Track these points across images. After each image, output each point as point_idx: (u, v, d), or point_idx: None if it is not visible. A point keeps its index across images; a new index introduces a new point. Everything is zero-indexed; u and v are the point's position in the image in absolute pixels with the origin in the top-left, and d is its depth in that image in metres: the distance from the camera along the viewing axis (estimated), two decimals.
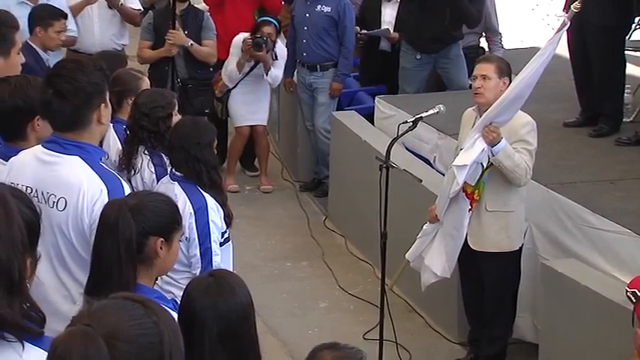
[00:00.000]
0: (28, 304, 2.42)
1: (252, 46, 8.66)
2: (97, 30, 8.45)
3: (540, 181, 6.36)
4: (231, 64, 8.87)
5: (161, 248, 3.32)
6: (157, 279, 3.51)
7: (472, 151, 5.76)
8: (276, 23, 8.89)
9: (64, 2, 7.89)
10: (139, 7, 8.93)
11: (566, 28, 5.88)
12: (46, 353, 2.32)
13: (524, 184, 5.94)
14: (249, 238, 8.06)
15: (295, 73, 9.27)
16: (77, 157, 3.70)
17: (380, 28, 9.36)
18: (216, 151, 5.04)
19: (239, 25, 9.12)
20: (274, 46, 8.82)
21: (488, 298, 6.17)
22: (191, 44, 8.47)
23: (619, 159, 7.10)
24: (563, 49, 7.74)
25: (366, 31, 9.32)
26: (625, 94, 7.87)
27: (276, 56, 8.86)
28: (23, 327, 2.36)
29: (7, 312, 2.32)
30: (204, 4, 9.62)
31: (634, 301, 3.84)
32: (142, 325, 2.02)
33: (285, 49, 9.07)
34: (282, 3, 9.90)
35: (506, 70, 5.97)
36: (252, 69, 8.92)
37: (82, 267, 3.43)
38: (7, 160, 3.99)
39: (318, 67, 9.00)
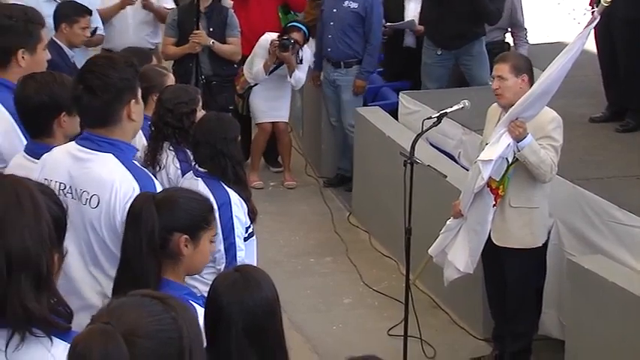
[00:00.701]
0: (55, 299, 2.43)
1: (278, 47, 8.69)
2: (132, 30, 8.51)
3: (566, 177, 6.34)
4: (256, 65, 8.90)
5: (186, 246, 3.32)
6: None
7: (498, 146, 5.76)
8: (305, 30, 8.91)
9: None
10: (173, 5, 8.95)
11: (595, 22, 5.84)
12: (60, 341, 2.36)
13: (549, 180, 5.93)
14: (273, 234, 8.07)
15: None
16: (110, 154, 3.73)
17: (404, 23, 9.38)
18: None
19: (263, 22, 9.16)
20: (300, 50, 8.84)
21: (511, 294, 6.16)
22: (213, 42, 8.50)
23: None
24: (590, 44, 7.68)
25: (391, 24, 9.31)
26: None
27: (301, 60, 8.90)
28: (51, 322, 2.37)
29: (35, 307, 2.33)
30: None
31: None
32: (161, 321, 2.04)
33: (310, 53, 9.11)
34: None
35: (524, 66, 5.95)
36: (275, 69, 8.94)
37: (114, 263, 3.46)
38: (33, 157, 4.02)
39: (341, 63, 9.00)
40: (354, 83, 8.99)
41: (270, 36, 8.86)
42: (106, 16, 8.42)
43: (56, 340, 2.38)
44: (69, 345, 2.35)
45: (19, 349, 2.33)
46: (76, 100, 3.77)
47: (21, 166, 3.97)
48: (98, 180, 3.69)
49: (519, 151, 5.76)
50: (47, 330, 2.36)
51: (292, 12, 9.67)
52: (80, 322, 2.49)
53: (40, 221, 2.36)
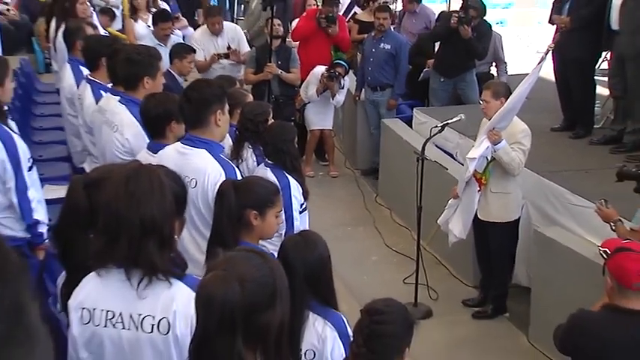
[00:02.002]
0: (174, 255, 2.45)
1: (327, 78, 8.70)
2: (228, 70, 8.46)
3: (534, 170, 6.28)
4: (310, 90, 8.88)
5: (255, 219, 3.31)
6: None
7: (480, 148, 5.78)
8: (346, 65, 8.87)
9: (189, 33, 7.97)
10: (248, 48, 8.92)
11: (544, 61, 5.90)
12: (186, 286, 2.37)
13: (518, 174, 5.88)
14: (321, 210, 7.96)
15: (363, 90, 9.20)
16: (204, 149, 3.75)
17: (433, 53, 9.30)
18: (297, 146, 5.02)
19: (318, 56, 9.12)
20: (342, 79, 8.80)
21: (494, 255, 6.12)
22: (281, 72, 8.53)
23: (592, 154, 6.98)
24: (549, 75, 7.65)
25: (426, 70, 9.26)
26: (595, 108, 7.76)
27: (342, 86, 8.86)
28: (170, 271, 2.40)
29: (159, 261, 2.37)
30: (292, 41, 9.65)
31: (605, 257, 3.75)
32: (262, 270, 2.05)
33: (349, 81, 9.05)
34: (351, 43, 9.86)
35: (502, 91, 5.87)
36: (323, 92, 8.91)
37: (208, 228, 3.48)
38: (153, 152, 4.05)
39: (378, 87, 8.93)
40: (388, 102, 8.92)
41: (320, 69, 8.84)
42: (202, 68, 8.43)
43: (174, 281, 2.41)
44: (183, 283, 2.38)
45: (146, 288, 2.37)
46: (181, 108, 3.82)
47: (144, 158, 3.98)
48: (196, 168, 3.71)
49: (495, 152, 5.73)
50: (167, 276, 2.39)
51: (340, 51, 9.62)
52: (188, 270, 2.52)
53: (164, 197, 2.38)
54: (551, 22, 7.66)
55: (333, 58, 9.25)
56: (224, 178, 3.63)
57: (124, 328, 2.39)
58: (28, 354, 0.66)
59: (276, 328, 2.02)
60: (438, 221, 6.15)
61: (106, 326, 2.40)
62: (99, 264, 2.40)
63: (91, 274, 2.44)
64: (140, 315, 2.39)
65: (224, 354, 1.97)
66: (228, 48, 8.53)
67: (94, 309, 2.42)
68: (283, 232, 4.48)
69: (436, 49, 9.05)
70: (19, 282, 0.65)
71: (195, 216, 3.74)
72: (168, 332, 2.38)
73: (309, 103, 9.05)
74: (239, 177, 3.77)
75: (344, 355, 2.90)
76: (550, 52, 6.05)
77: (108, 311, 2.40)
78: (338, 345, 2.94)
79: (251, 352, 2.00)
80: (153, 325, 2.38)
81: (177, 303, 2.36)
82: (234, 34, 8.74)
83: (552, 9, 7.65)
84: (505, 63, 9.41)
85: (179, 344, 2.36)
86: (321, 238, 3.14)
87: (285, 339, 2.07)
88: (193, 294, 2.39)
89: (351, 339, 2.89)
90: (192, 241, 3.76)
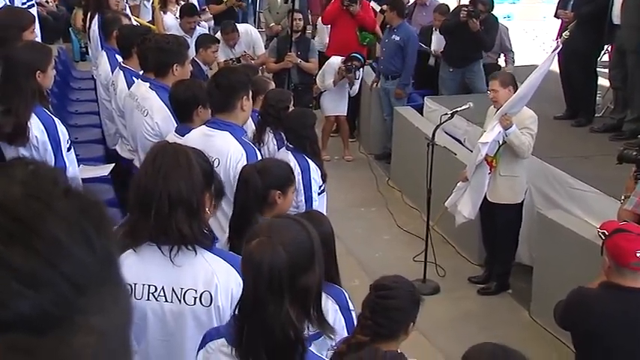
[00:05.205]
0: (205, 227, 2.46)
1: (345, 71, 8.62)
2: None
3: (538, 156, 6.24)
4: (327, 80, 8.78)
5: (279, 197, 3.33)
6: None
7: (492, 133, 5.75)
8: (361, 58, 8.74)
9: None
10: (263, 51, 8.85)
11: (558, 49, 5.79)
12: (212, 254, 2.36)
13: (527, 157, 5.86)
14: (336, 192, 7.89)
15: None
16: (227, 132, 3.76)
17: (429, 49, 9.29)
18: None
19: (345, 37, 9.04)
20: (357, 71, 8.73)
21: (500, 235, 6.11)
22: (300, 61, 8.51)
23: (592, 142, 6.94)
24: (554, 66, 7.54)
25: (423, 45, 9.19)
26: (597, 98, 7.71)
27: (357, 77, 8.78)
28: (198, 241, 2.41)
29: (187, 231, 2.37)
30: (321, 24, 9.58)
31: (603, 238, 3.74)
32: (302, 235, 2.11)
33: (362, 72, 8.97)
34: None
35: (509, 80, 5.85)
36: (340, 81, 8.87)
37: (229, 205, 3.47)
38: (180, 135, 4.05)
39: (389, 76, 8.86)
40: (395, 91, 8.86)
41: (336, 59, 8.76)
42: None
43: (202, 250, 2.43)
44: (210, 252, 2.42)
45: (178, 255, 2.39)
46: (209, 94, 3.83)
47: (172, 140, 3.97)
48: (219, 149, 3.71)
49: (507, 136, 5.70)
50: (196, 246, 2.41)
51: (365, 31, 9.40)
52: None
53: (192, 172, 2.39)
54: (556, 15, 7.61)
55: (359, 39, 9.15)
56: (245, 159, 3.65)
57: (166, 301, 2.41)
58: (118, 298, 0.71)
59: (315, 288, 2.07)
60: (446, 204, 6.12)
61: (148, 299, 2.41)
62: (134, 241, 2.40)
63: (127, 251, 2.40)
64: (182, 289, 2.40)
65: (274, 314, 2.01)
66: (245, 54, 8.52)
67: (135, 284, 2.41)
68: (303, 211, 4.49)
69: (445, 41, 8.97)
70: (111, 236, 0.70)
71: None
72: (210, 304, 2.40)
73: (325, 91, 9.02)
74: (259, 158, 3.78)
75: (345, 327, 2.92)
76: (564, 39, 5.97)
77: (150, 285, 2.41)
78: (339, 318, 2.94)
79: (294, 311, 2.04)
80: (195, 297, 2.40)
81: (218, 277, 2.38)
82: (250, 38, 8.67)
83: (558, 3, 7.60)
84: (512, 52, 9.34)
85: (220, 315, 2.39)
86: (325, 217, 3.15)
87: (320, 299, 2.11)
88: (231, 267, 2.41)
89: (353, 312, 2.90)
90: (214, 219, 3.76)
